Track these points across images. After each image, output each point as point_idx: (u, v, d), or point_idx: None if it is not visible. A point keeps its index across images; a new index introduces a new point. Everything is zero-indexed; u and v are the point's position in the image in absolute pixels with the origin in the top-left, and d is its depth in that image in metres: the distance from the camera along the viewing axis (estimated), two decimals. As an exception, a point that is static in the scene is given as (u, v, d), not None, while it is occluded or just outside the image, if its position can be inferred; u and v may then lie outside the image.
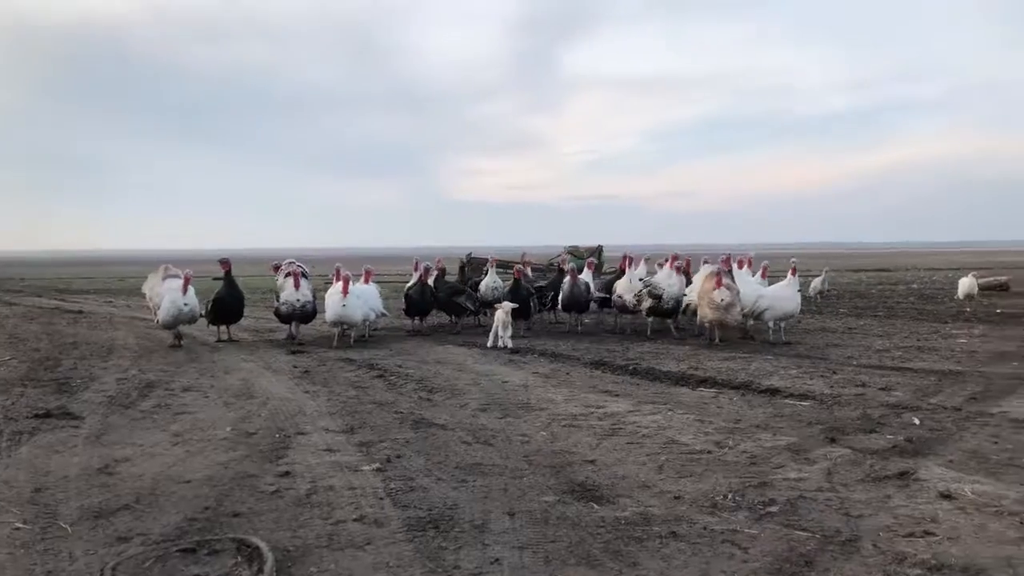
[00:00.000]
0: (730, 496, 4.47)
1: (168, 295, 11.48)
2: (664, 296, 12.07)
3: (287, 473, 5.00)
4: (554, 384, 8.27)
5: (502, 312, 11.47)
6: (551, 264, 24.99)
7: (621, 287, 12.81)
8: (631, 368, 9.13)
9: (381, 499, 4.49)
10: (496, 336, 11.34)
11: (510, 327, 11.45)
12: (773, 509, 4.27)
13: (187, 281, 11.71)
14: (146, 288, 12.56)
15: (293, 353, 10.87)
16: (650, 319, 12.50)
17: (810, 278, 22.63)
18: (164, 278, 12.12)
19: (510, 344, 11.15)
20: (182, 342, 11.78)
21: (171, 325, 11.67)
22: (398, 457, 5.35)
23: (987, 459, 5.17)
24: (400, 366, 9.53)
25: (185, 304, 11.47)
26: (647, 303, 12.24)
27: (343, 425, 6.35)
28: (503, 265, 20.39)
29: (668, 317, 12.34)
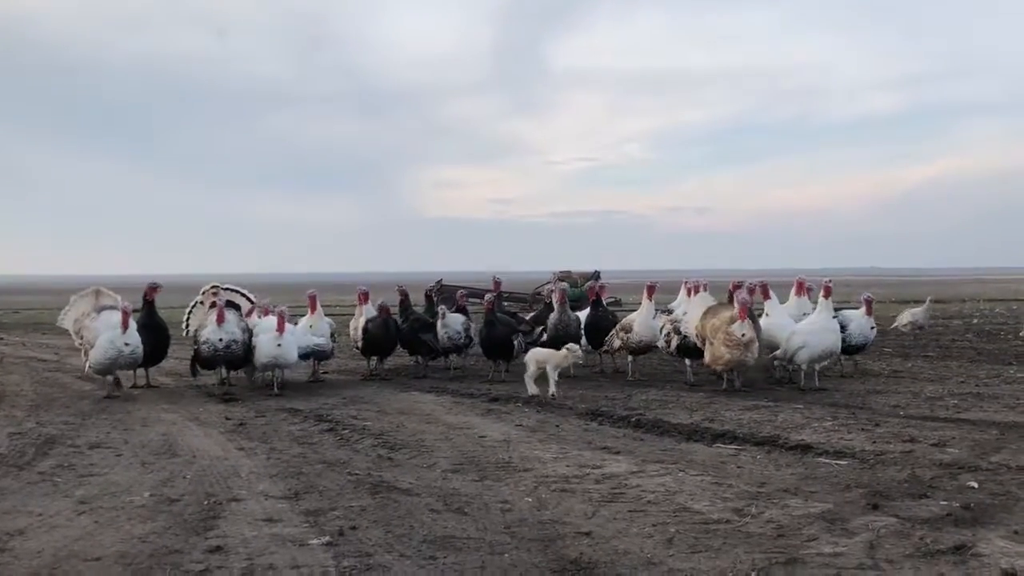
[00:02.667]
0: (753, 575, 4.50)
1: (105, 332, 11.09)
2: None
3: (218, 548, 4.97)
4: (541, 439, 8.29)
5: (569, 353, 10.90)
6: (537, 293, 25.04)
7: (639, 323, 12.68)
8: (634, 420, 9.16)
9: (332, 580, 4.48)
10: (533, 382, 10.94)
11: (556, 373, 10.97)
12: (804, 591, 4.31)
13: (126, 316, 11.22)
14: (67, 318, 12.10)
15: (225, 402, 10.84)
16: (689, 363, 12.32)
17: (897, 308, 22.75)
18: (99, 309, 11.74)
19: (556, 393, 10.78)
20: (120, 390, 11.53)
21: (106, 371, 11.27)
22: (353, 528, 5.34)
23: (1059, 529, 5.23)
24: (355, 417, 9.52)
25: (126, 344, 11.03)
26: (675, 341, 12.20)
27: (286, 489, 6.32)
28: (477, 296, 20.46)
29: (700, 356, 12.27)
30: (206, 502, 5.99)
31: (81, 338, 11.70)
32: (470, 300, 14.97)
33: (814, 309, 12.04)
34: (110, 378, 11.47)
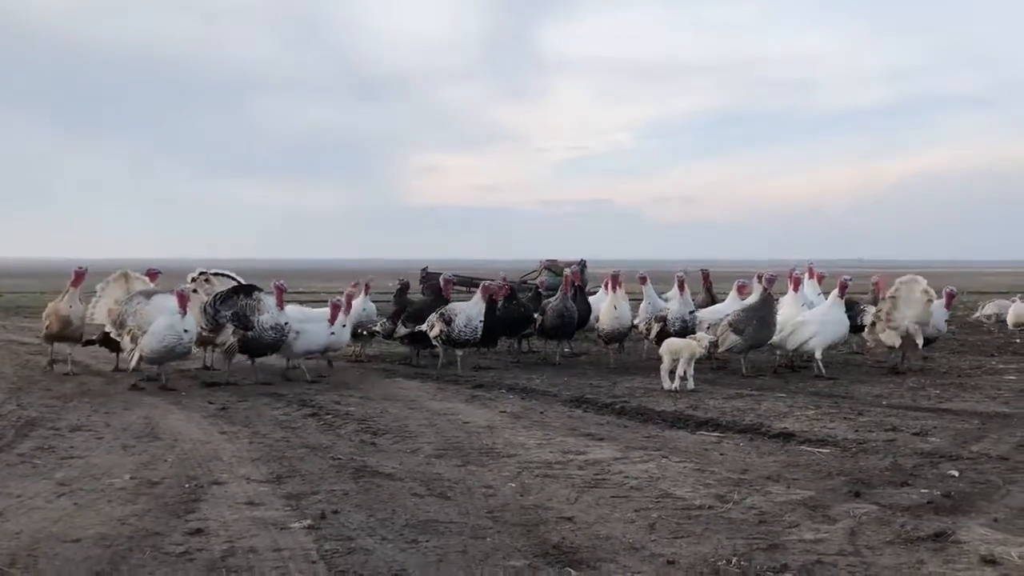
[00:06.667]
0: (735, 561, 4.51)
1: (163, 317, 10.23)
2: (669, 318, 12.47)
3: (199, 531, 4.97)
4: (525, 425, 8.30)
5: (698, 345, 10.32)
6: (523, 282, 25.09)
7: (604, 313, 12.98)
8: (618, 407, 9.19)
9: (313, 563, 4.48)
10: (671, 376, 10.35)
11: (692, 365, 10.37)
12: (785, 576, 4.33)
13: (184, 300, 10.37)
14: (99, 308, 11.29)
15: (208, 386, 10.77)
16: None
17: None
18: (149, 295, 10.91)
19: (691, 385, 10.24)
20: (164, 379, 10.71)
21: (160, 360, 10.56)
22: (335, 512, 5.34)
23: (1038, 518, 5.27)
24: (338, 403, 9.50)
25: (185, 331, 10.24)
26: (655, 328, 12.65)
27: (268, 473, 6.31)
28: (464, 283, 20.40)
29: None
30: (187, 485, 5.97)
31: (121, 326, 10.73)
32: (456, 288, 14.95)
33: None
34: (155, 368, 10.81)
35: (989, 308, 19.31)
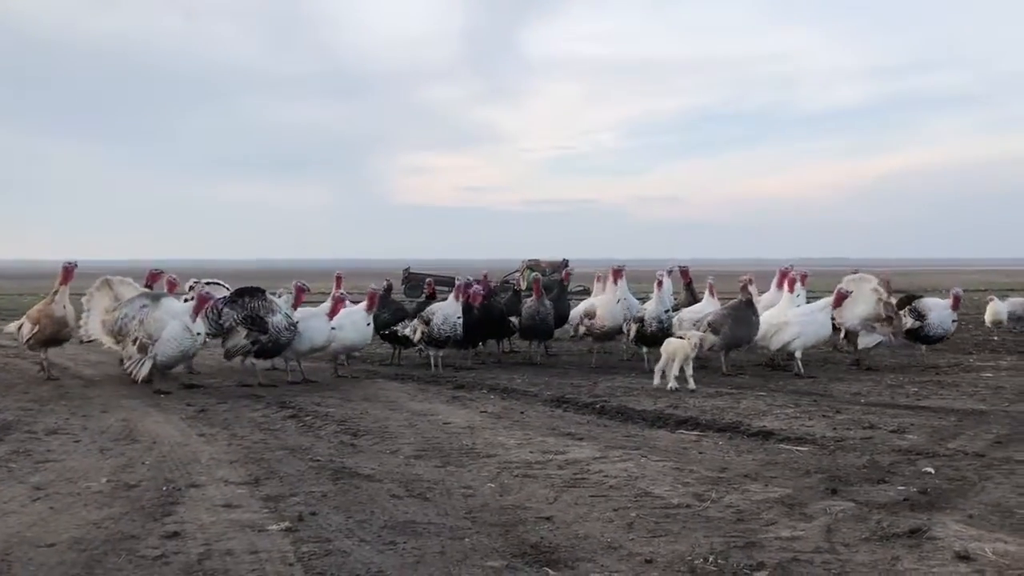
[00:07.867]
0: (711, 559, 4.53)
1: (175, 319, 10.16)
2: (646, 318, 12.42)
3: (175, 534, 4.94)
4: (505, 425, 8.31)
5: (688, 344, 10.29)
6: (506, 281, 25.12)
7: (603, 307, 12.95)
8: (598, 406, 9.21)
9: (291, 565, 4.47)
10: (662, 374, 10.44)
11: (691, 363, 10.40)
12: (762, 574, 4.35)
13: (201, 303, 10.36)
14: (92, 322, 10.90)
15: (187, 388, 10.72)
16: (644, 350, 12.66)
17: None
18: (157, 298, 10.64)
19: (692, 385, 10.20)
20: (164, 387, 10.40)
21: (174, 364, 10.52)
22: (313, 514, 5.32)
23: (1012, 514, 5.31)
24: (318, 404, 9.48)
25: (198, 333, 10.31)
26: (633, 329, 12.59)
27: (246, 475, 6.29)
28: (445, 283, 20.37)
29: (656, 344, 12.49)
30: (165, 488, 5.94)
31: (121, 334, 10.43)
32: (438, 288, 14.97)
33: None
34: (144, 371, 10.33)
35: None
